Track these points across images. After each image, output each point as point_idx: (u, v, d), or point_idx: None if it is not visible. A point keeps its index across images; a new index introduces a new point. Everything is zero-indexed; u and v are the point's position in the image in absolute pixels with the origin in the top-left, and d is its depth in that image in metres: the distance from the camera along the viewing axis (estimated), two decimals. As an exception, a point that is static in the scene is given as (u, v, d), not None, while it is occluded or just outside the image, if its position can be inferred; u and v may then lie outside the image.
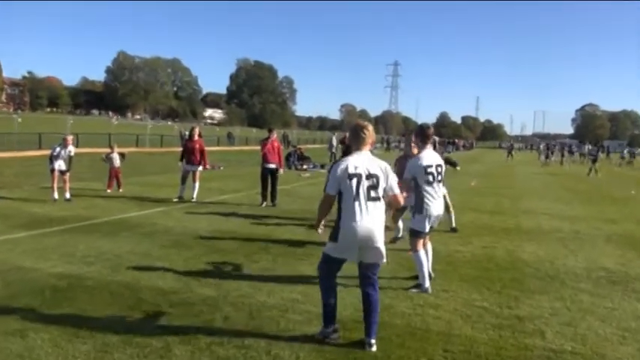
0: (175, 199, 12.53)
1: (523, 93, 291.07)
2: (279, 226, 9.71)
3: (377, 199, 4.23)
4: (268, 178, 12.64)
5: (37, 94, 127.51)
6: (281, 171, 12.85)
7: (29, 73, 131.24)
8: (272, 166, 12.65)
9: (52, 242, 7.70)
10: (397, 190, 4.40)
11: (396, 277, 6.53)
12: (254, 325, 4.76)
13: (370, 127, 4.43)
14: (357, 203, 4.16)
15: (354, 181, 4.18)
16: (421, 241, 5.98)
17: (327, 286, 4.41)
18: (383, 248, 4.27)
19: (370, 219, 4.17)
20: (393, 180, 4.34)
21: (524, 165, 41.29)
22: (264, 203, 12.48)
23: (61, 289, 5.52)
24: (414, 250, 5.93)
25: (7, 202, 11.15)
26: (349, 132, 4.50)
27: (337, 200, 4.29)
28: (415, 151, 8.36)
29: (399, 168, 8.30)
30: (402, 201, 4.53)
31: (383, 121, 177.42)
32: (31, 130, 32.34)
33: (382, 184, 4.25)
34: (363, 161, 4.26)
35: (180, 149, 13.85)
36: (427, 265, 6.02)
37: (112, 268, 6.43)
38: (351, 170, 4.20)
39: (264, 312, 5.10)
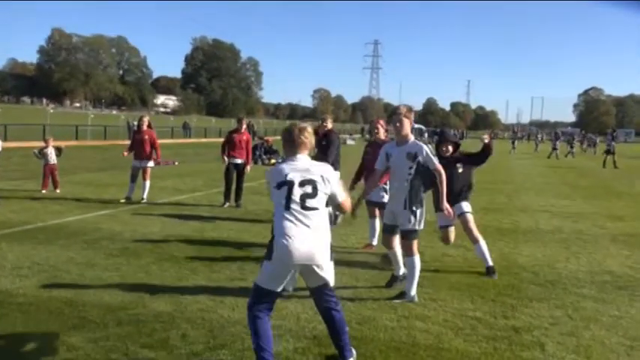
0: (123, 200, 12.41)
1: (520, 77, 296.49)
2: (244, 230, 9.69)
3: (314, 208, 4.12)
4: (233, 174, 12.60)
5: None
6: (248, 167, 12.81)
7: None
8: (238, 161, 12.61)
9: None
10: (343, 197, 4.32)
11: (376, 285, 6.60)
12: (215, 343, 4.76)
13: (310, 130, 4.41)
14: (287, 215, 4.08)
15: (284, 189, 4.12)
16: (417, 243, 6.04)
17: (257, 328, 4.11)
18: (327, 267, 4.14)
19: (306, 233, 4.05)
20: (337, 185, 4.26)
21: (522, 156, 42.06)
22: (227, 204, 12.44)
23: (-12, 307, 5.42)
24: (411, 254, 5.98)
25: None
26: (282, 135, 4.40)
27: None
28: (384, 135, 8.45)
29: (372, 155, 8.37)
30: (348, 207, 4.49)
31: (362, 108, 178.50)
32: None
33: (322, 191, 4.16)
34: (295, 167, 4.21)
35: (128, 142, 13.71)
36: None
37: (49, 281, 6.34)
38: (279, 178, 4.16)
39: (227, 328, 5.11)
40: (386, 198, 8.16)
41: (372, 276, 6.99)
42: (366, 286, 6.55)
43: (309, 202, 4.10)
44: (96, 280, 6.46)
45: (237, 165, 12.64)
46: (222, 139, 14.05)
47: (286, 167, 4.21)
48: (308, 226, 4.06)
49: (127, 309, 5.50)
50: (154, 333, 4.94)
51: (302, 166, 4.22)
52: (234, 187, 12.60)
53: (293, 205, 4.08)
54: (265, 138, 29.76)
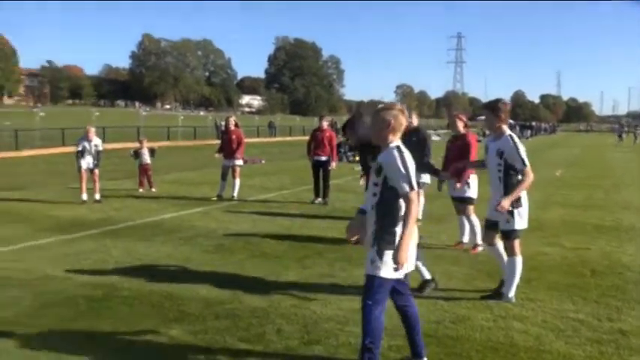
0: (215, 198, 12.81)
1: (615, 66, 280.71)
2: (332, 227, 9.76)
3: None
4: (319, 172, 12.74)
5: (57, 85, 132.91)
6: (333, 164, 12.87)
7: (48, 62, 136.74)
8: (322, 158, 12.73)
9: (83, 248, 8.04)
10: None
11: (470, 283, 6.46)
12: (309, 338, 4.83)
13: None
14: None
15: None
16: (518, 243, 5.83)
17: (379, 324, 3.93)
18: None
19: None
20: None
21: (620, 150, 39.89)
22: (318, 199, 12.62)
23: (96, 299, 5.76)
24: (511, 254, 5.79)
25: (32, 205, 11.69)
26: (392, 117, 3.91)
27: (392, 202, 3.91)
28: (462, 128, 8.25)
29: (452, 151, 8.23)
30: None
31: (446, 103, 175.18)
32: (54, 125, 33.73)
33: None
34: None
35: (217, 141, 14.14)
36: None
37: (150, 276, 6.65)
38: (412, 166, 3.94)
39: (320, 324, 5.16)
40: (468, 193, 8.03)
41: (464, 275, 6.85)
42: (459, 285, 6.43)
43: (373, 189, 4.04)
44: (193, 275, 6.72)
45: (322, 162, 12.75)
46: (306, 138, 14.22)
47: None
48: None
49: (223, 303, 5.68)
50: (250, 327, 5.07)
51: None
52: (321, 184, 12.74)
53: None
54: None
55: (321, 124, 12.97)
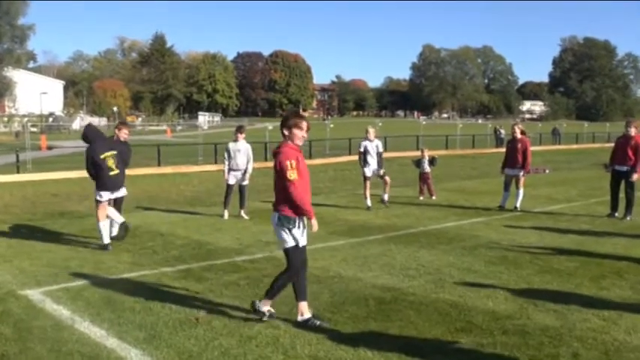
0: (497, 208, 12.51)
1: None
2: (633, 245, 8.76)
3: None
4: (619, 184, 11.53)
5: (344, 98, 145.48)
6: (635, 176, 11.36)
7: (337, 77, 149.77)
8: (623, 169, 11.45)
9: (371, 251, 8.52)
10: None
11: None
12: (612, 368, 4.38)
13: None
14: None
15: None
16: None
17: None
18: None
19: None
20: None
21: None
22: (615, 214, 11.48)
23: (385, 302, 6.05)
24: None
25: (324, 209, 12.80)
26: None
27: None
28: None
29: None
30: None
31: None
32: (341, 135, 36.61)
33: None
34: None
35: (496, 150, 13.76)
36: None
37: (435, 283, 6.75)
38: None
39: (624, 354, 4.66)
40: None
41: None
42: None
43: None
44: (477, 286, 6.63)
45: (621, 173, 11.49)
46: (596, 145, 13.01)
47: None
48: None
49: (511, 318, 5.49)
50: (542, 347, 4.80)
51: None
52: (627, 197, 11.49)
53: None
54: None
55: (628, 130, 11.57)
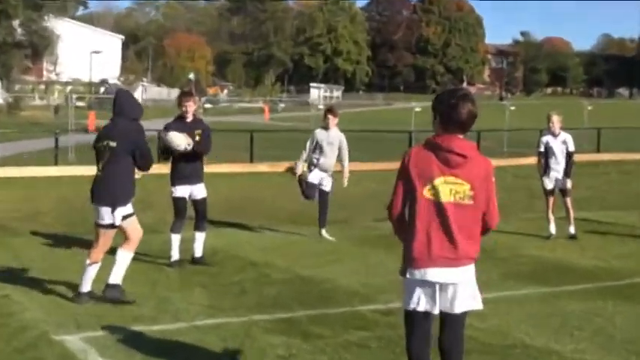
0: None
1: None
2: None
3: None
4: None
5: (532, 66, 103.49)
6: None
7: (523, 35, 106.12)
8: None
9: (572, 309, 6.08)
10: None
11: None
12: None
13: None
14: None
15: None
16: None
17: None
18: None
19: None
20: None
21: None
22: None
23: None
24: None
25: (498, 237, 8.45)
26: None
27: None
28: None
29: None
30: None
31: None
32: (527, 125, 24.83)
33: None
34: None
35: None
36: None
37: None
38: None
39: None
40: None
41: None
42: None
43: None
44: None
45: None
46: None
47: None
48: None
49: None
50: None
51: None
52: None
53: None
54: None
55: None
